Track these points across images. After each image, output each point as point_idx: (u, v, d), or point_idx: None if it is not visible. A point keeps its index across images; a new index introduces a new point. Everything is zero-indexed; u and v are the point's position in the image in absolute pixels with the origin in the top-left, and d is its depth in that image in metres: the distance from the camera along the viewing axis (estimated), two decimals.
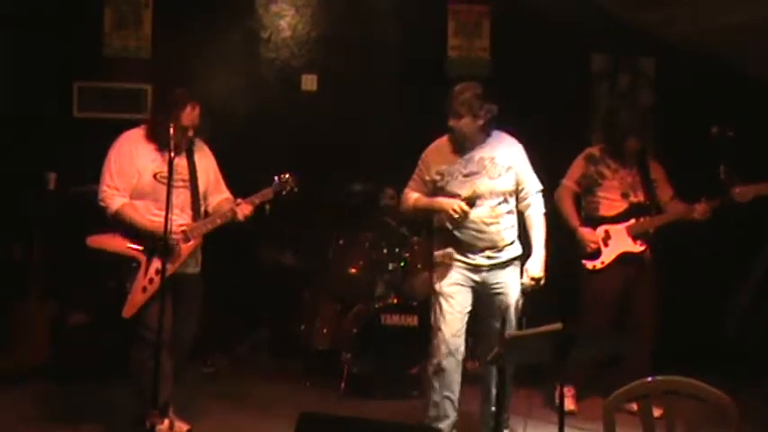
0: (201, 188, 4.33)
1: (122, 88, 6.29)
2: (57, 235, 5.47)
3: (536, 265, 4.23)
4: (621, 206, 5.04)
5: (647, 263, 5.09)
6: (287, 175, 4.39)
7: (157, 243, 4.02)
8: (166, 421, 4.25)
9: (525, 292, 4.24)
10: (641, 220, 5.03)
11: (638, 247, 5.02)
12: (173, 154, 3.88)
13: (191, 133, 4.22)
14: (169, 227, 3.89)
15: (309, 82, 6.53)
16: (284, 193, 4.38)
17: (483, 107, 4.18)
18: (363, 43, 6.47)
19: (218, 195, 4.44)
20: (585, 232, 4.96)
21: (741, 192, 4.79)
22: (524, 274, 4.25)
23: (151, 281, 4.11)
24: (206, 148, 4.45)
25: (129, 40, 6.32)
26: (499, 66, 6.58)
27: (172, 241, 4.04)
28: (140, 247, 4.15)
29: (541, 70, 6.38)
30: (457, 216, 4.14)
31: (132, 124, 4.40)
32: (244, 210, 4.26)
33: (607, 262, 5.00)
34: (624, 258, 5.00)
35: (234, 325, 5.96)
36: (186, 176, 4.25)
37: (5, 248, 5.79)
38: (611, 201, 5.04)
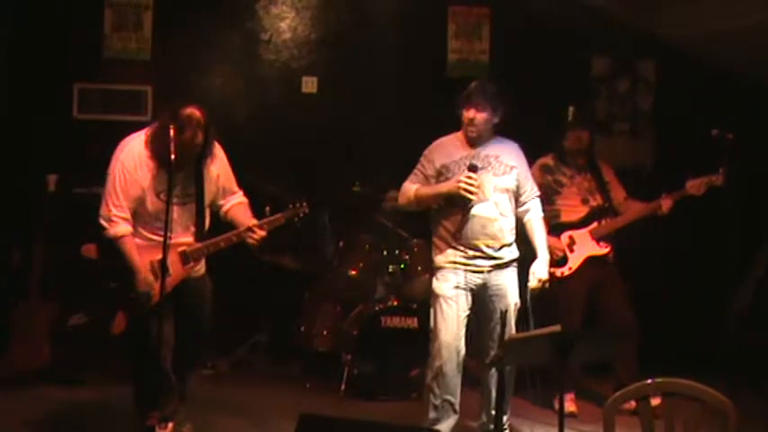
0: (207, 200, 4.22)
1: (123, 90, 6.29)
2: (57, 237, 5.46)
3: (542, 268, 4.28)
4: (583, 211, 5.12)
5: (612, 263, 5.16)
6: (303, 203, 4.26)
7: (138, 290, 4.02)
8: (170, 425, 4.22)
9: (533, 294, 4.24)
10: (603, 222, 5.11)
11: (602, 250, 5.11)
12: (172, 180, 3.78)
13: (190, 154, 4.07)
14: (168, 244, 3.79)
15: (310, 84, 6.53)
16: (296, 219, 4.27)
17: (500, 107, 4.27)
18: (364, 46, 6.47)
19: (230, 198, 4.33)
20: (550, 240, 4.90)
21: (693, 184, 4.90)
22: (531, 277, 4.27)
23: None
24: (217, 152, 4.25)
25: (129, 41, 6.32)
26: (499, 68, 6.58)
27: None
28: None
29: (541, 73, 6.38)
30: (466, 186, 4.09)
31: (132, 126, 4.37)
32: (254, 236, 4.13)
33: (574, 268, 5.07)
34: (590, 262, 5.07)
35: (234, 327, 5.96)
36: (192, 190, 4.16)
37: (6, 250, 5.79)
38: (572, 207, 5.13)
